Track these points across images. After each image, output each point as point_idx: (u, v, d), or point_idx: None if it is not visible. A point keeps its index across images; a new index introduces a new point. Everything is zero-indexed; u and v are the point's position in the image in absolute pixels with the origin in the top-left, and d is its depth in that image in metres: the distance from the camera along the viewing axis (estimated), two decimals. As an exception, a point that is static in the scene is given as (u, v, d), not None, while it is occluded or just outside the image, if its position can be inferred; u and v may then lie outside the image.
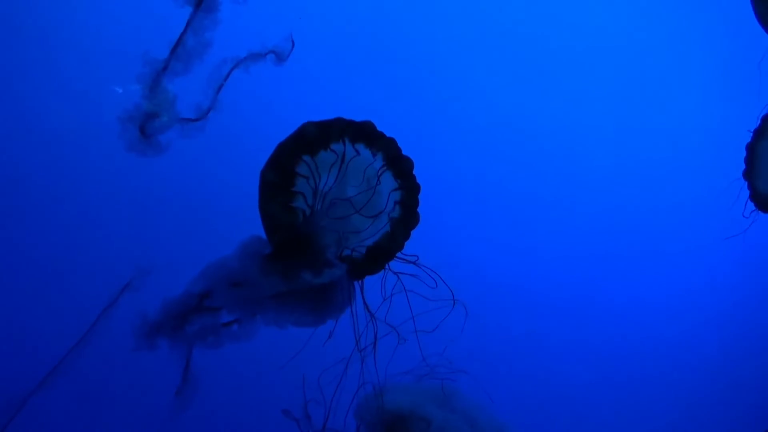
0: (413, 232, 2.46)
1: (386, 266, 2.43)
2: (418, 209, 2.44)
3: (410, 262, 2.45)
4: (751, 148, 3.48)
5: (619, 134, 4.78)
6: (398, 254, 2.45)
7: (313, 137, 2.33)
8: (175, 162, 2.65)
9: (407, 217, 2.44)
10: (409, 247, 2.47)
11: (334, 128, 2.36)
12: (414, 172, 2.44)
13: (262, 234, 2.34)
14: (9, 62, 3.56)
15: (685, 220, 4.78)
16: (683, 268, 4.86)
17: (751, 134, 3.45)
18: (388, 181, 2.45)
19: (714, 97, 4.76)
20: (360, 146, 2.41)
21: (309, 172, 2.35)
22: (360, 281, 2.42)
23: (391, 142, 2.44)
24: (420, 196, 2.45)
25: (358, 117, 2.42)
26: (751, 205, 3.42)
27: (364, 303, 2.38)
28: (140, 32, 3.29)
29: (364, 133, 2.39)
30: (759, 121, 3.45)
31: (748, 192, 3.44)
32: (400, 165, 2.43)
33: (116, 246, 3.63)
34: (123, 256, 3.51)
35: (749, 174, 3.46)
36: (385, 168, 2.44)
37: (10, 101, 3.56)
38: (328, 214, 2.36)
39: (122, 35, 3.52)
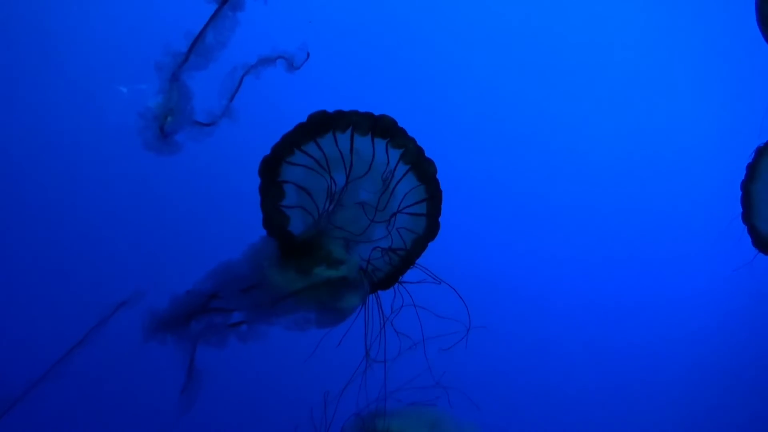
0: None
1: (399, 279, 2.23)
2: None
3: (420, 268, 2.25)
4: (746, 188, 3.22)
5: (623, 144, 4.81)
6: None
7: (315, 123, 2.09)
8: (184, 164, 2.60)
9: (429, 229, 2.19)
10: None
11: (342, 117, 2.10)
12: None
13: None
14: (14, 62, 3.52)
15: (695, 225, 4.78)
16: (697, 275, 4.83)
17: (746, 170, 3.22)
18: (408, 186, 2.18)
19: (718, 106, 4.82)
20: (378, 140, 2.12)
21: (316, 169, 2.13)
22: (374, 293, 2.24)
23: (413, 140, 2.14)
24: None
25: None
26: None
27: (381, 313, 2.27)
28: (150, 32, 3.26)
29: (383, 127, 2.10)
30: (753, 155, 3.17)
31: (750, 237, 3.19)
32: (422, 168, 2.14)
33: (125, 247, 3.56)
34: (131, 258, 3.45)
35: (747, 216, 3.23)
36: (406, 171, 2.16)
37: (12, 101, 3.51)
38: (334, 218, 2.17)
39: (134, 33, 3.50)
